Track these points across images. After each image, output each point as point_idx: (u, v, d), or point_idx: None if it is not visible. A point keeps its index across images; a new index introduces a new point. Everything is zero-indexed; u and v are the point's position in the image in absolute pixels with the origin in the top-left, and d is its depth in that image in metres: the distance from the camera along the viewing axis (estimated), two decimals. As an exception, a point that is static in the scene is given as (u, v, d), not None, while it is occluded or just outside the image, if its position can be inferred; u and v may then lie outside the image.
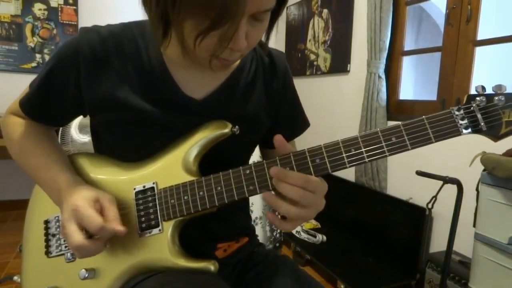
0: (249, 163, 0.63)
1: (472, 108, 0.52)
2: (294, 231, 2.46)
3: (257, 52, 0.75)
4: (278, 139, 0.56)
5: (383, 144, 0.53)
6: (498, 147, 1.19)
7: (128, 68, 0.64)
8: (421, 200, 1.92)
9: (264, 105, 0.74)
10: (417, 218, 1.92)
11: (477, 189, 1.41)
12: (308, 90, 3.08)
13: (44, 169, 0.67)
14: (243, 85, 0.71)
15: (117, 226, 0.57)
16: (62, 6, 2.98)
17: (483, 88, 0.52)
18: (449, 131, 0.52)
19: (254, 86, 0.73)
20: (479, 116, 0.51)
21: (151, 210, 0.64)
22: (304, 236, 2.40)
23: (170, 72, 0.65)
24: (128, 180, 0.66)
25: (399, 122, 0.53)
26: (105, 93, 0.63)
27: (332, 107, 2.84)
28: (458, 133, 0.52)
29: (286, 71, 0.78)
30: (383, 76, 2.24)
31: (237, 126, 0.65)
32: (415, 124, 0.53)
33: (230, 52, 0.55)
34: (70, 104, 0.67)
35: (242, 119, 0.68)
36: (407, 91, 2.46)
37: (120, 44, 0.64)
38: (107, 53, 0.63)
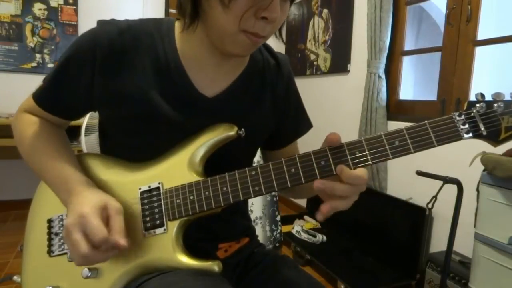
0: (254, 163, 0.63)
1: (472, 114, 0.54)
2: (294, 231, 2.46)
3: (264, 56, 0.76)
4: (332, 137, 0.55)
5: (387, 147, 0.55)
6: (498, 147, 1.19)
7: (144, 62, 0.64)
8: (421, 200, 1.92)
9: (270, 108, 0.75)
10: (417, 218, 1.92)
11: (477, 189, 1.42)
12: (308, 90, 3.08)
13: (54, 168, 0.67)
14: (252, 87, 0.72)
15: (120, 240, 0.56)
16: (62, 6, 2.97)
17: (482, 95, 0.55)
18: (451, 135, 0.54)
19: (263, 89, 0.74)
20: (479, 121, 0.53)
21: (156, 210, 0.64)
22: (304, 236, 2.40)
23: (184, 68, 0.66)
24: (133, 180, 0.67)
25: (402, 127, 0.55)
26: (118, 85, 0.64)
27: (332, 107, 2.84)
28: (459, 137, 0.53)
29: (290, 74, 0.79)
30: (383, 76, 2.25)
31: (243, 129, 0.65)
32: (417, 128, 0.54)
33: (263, 24, 0.57)
34: (82, 95, 0.67)
35: (248, 120, 0.69)
36: (407, 91, 2.46)
37: (137, 38, 0.65)
38: (124, 45, 0.64)
